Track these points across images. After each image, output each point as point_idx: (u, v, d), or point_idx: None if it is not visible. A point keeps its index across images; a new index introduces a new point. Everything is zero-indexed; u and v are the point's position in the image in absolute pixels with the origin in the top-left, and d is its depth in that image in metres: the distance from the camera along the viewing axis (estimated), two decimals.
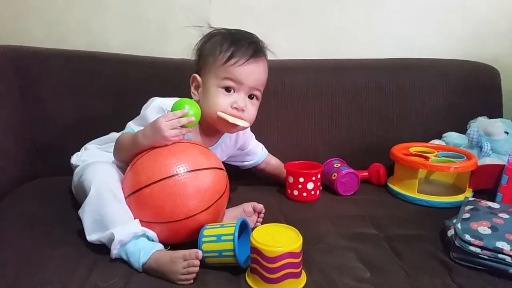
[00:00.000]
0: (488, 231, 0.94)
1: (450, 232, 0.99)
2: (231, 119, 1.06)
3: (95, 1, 1.43)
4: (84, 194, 0.96)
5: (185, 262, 0.85)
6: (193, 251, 0.86)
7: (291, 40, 1.57)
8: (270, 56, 1.47)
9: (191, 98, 1.09)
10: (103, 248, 0.92)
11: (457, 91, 1.49)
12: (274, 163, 1.36)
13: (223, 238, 0.89)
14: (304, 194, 1.24)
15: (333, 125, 1.45)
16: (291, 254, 0.81)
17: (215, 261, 0.89)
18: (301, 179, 1.23)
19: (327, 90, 1.45)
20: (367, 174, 1.39)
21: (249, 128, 1.22)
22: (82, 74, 1.31)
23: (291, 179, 1.25)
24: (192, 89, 1.12)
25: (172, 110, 0.97)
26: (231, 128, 1.11)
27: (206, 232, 0.91)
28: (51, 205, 1.11)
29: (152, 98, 1.12)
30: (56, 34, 1.46)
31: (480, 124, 1.39)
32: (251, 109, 1.11)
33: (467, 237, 0.93)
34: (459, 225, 0.97)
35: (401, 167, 1.29)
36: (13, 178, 1.22)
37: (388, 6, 1.57)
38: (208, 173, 0.95)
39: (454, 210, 1.10)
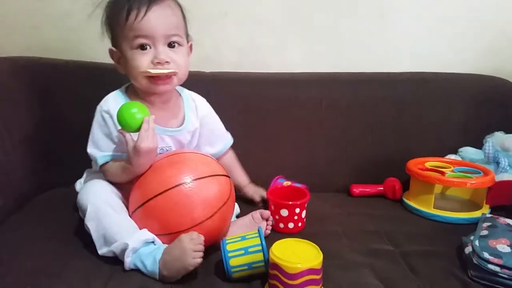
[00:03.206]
0: (507, 249, 0.92)
1: (468, 250, 0.97)
2: (153, 71, 1.01)
3: None
4: (84, 214, 0.97)
5: (188, 236, 0.87)
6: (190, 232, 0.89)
7: (305, 53, 1.57)
8: (283, 69, 1.50)
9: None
10: (117, 261, 0.92)
11: (474, 105, 1.48)
12: (229, 160, 1.28)
13: (250, 250, 0.89)
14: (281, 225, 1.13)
15: (347, 138, 1.44)
16: (312, 271, 0.81)
17: (244, 274, 0.90)
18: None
19: (341, 103, 1.44)
20: (382, 188, 1.38)
21: (207, 104, 1.20)
22: (99, 86, 1.32)
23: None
24: (115, 63, 1.08)
25: (118, 121, 0.95)
26: (163, 84, 1.04)
27: (229, 247, 0.90)
28: (66, 216, 1.11)
29: (100, 104, 1.08)
30: (74, 46, 1.48)
31: (496, 139, 1.38)
32: (177, 58, 1.04)
33: (486, 255, 0.91)
34: (476, 242, 0.96)
35: (417, 182, 1.28)
36: (31, 188, 1.23)
37: (403, 20, 1.56)
38: (210, 181, 0.95)
39: (471, 226, 1.08)
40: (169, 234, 0.92)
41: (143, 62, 1.01)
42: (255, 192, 1.28)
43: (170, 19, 1.04)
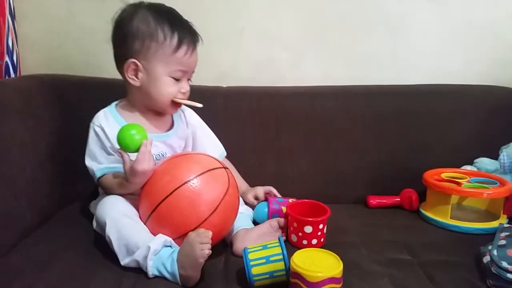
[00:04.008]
0: None
1: (486, 259, 0.98)
2: (188, 102, 1.14)
3: None
4: (103, 229, 1.00)
5: (194, 232, 0.92)
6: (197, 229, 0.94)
7: (320, 67, 1.60)
8: (299, 83, 1.53)
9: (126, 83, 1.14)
10: (141, 270, 0.95)
11: (488, 116, 1.49)
12: None
13: (272, 259, 0.92)
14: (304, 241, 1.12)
15: (364, 150, 1.46)
16: (333, 280, 0.83)
17: (266, 282, 0.92)
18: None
19: (357, 115, 1.46)
20: (399, 199, 1.39)
21: (196, 115, 1.29)
22: None
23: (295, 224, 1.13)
24: (130, 75, 1.12)
25: (118, 141, 1.00)
26: (178, 108, 1.19)
27: (251, 255, 0.93)
28: (90, 230, 1.14)
29: (92, 120, 1.15)
30: (96, 63, 1.53)
31: None
32: (189, 89, 1.17)
33: (504, 264, 0.93)
34: (495, 252, 0.97)
35: (433, 193, 1.30)
36: (55, 202, 1.27)
37: (416, 32, 1.59)
38: (205, 177, 0.99)
39: (489, 236, 1.09)
40: (181, 237, 0.96)
41: (174, 90, 1.13)
42: (251, 195, 1.29)
43: (197, 58, 1.16)
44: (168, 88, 1.12)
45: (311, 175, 1.43)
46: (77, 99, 1.38)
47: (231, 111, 1.39)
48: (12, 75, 1.46)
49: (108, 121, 1.14)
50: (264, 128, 1.44)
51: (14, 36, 1.48)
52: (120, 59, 1.13)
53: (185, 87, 1.14)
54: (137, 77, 1.12)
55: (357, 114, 1.47)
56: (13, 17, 1.48)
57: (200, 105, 1.14)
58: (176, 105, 1.16)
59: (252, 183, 1.34)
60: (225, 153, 1.30)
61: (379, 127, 1.46)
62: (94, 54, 1.54)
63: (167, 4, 1.16)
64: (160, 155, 1.16)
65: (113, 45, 1.16)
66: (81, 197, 1.32)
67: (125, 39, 1.11)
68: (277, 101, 1.47)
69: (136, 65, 1.10)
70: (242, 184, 1.32)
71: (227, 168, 1.06)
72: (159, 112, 1.19)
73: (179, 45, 1.09)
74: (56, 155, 1.28)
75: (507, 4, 1.58)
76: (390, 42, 1.60)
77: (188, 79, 1.17)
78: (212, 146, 1.27)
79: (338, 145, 1.46)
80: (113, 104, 1.20)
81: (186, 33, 1.11)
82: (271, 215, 1.20)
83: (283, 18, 1.56)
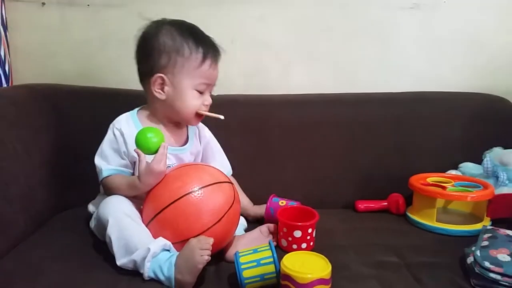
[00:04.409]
0: (507, 258, 0.96)
1: (470, 260, 1.01)
2: (211, 115, 1.16)
3: (124, 42, 1.52)
4: (104, 229, 1.02)
5: (196, 239, 0.94)
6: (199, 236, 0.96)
7: (308, 75, 1.64)
8: (288, 91, 1.56)
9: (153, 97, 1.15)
10: (135, 273, 0.97)
11: (472, 122, 1.52)
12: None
13: (262, 262, 0.94)
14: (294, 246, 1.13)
15: (351, 156, 1.49)
16: (321, 281, 0.85)
17: (256, 285, 0.94)
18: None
19: (344, 123, 1.49)
20: (386, 204, 1.42)
21: (209, 131, 1.32)
22: (112, 110, 1.36)
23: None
24: (156, 89, 1.13)
25: (136, 143, 1.03)
26: (200, 120, 1.21)
27: (242, 259, 0.95)
28: (83, 234, 1.17)
29: (113, 123, 1.17)
30: (88, 73, 1.55)
31: (495, 155, 1.42)
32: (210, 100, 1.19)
33: (487, 264, 0.96)
34: (478, 252, 1.00)
35: (419, 197, 1.33)
36: (49, 209, 1.29)
37: (402, 42, 1.63)
38: (215, 188, 1.02)
39: (473, 238, 1.12)
40: (182, 242, 0.97)
41: (198, 102, 1.16)
42: (255, 214, 1.32)
43: (218, 71, 1.19)
44: (193, 101, 1.15)
45: (300, 181, 1.45)
46: (69, 107, 1.40)
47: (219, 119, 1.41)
48: (4, 85, 1.47)
49: (129, 127, 1.15)
50: (254, 136, 1.47)
51: (6, 46, 1.50)
52: (145, 74, 1.15)
53: (208, 99, 1.17)
54: (163, 91, 1.14)
55: (345, 121, 1.50)
56: (5, 27, 1.50)
57: (222, 117, 1.16)
58: (199, 116, 1.18)
59: (242, 190, 1.35)
60: (231, 172, 1.33)
61: (366, 133, 1.49)
62: (86, 64, 1.57)
63: (160, 15, 1.18)
64: (169, 166, 1.16)
65: (137, 61, 1.17)
66: (75, 203, 1.33)
67: (151, 54, 1.13)
68: (266, 109, 1.50)
69: (163, 79, 1.12)
70: (246, 201, 1.35)
71: (233, 184, 1.09)
72: (178, 124, 1.21)
73: (203, 59, 1.12)
74: (50, 162, 1.30)
75: (490, 12, 1.63)
76: (377, 50, 1.64)
77: (210, 92, 1.19)
78: (219, 164, 1.27)
79: (327, 151, 1.48)
80: (135, 110, 1.21)
81: (210, 48, 1.14)
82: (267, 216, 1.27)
83: (272, 28, 1.60)
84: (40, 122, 1.32)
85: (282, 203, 1.29)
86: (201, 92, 1.15)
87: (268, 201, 1.31)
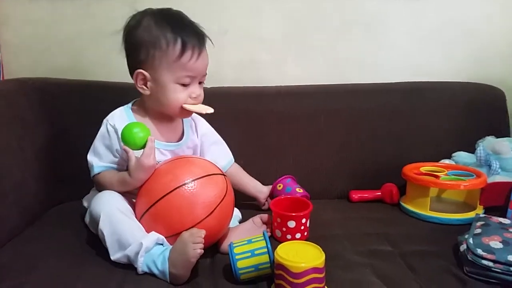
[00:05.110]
0: (499, 245, 0.97)
1: (463, 247, 1.02)
2: (198, 109, 1.12)
3: (115, 35, 1.51)
4: (97, 224, 1.02)
5: (188, 232, 0.94)
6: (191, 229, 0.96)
7: (302, 67, 1.64)
8: (282, 83, 1.56)
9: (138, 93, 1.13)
10: (129, 266, 0.98)
11: (465, 112, 1.54)
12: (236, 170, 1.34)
13: (256, 252, 0.95)
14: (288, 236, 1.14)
15: (345, 147, 1.49)
16: (315, 270, 0.85)
17: (251, 275, 0.95)
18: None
19: (338, 114, 1.50)
20: (380, 193, 1.43)
21: (206, 123, 1.29)
22: (103, 103, 1.34)
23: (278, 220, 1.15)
24: (140, 85, 1.11)
25: (123, 138, 1.02)
26: (190, 114, 1.18)
27: (236, 250, 0.96)
28: (76, 229, 1.16)
29: (107, 118, 1.14)
30: (79, 66, 1.54)
31: (488, 144, 1.43)
32: (201, 92, 1.14)
33: (479, 251, 0.96)
34: (471, 240, 1.01)
35: (413, 186, 1.33)
36: (42, 203, 1.29)
37: (395, 33, 1.64)
38: (206, 181, 1.02)
39: (466, 226, 1.12)
40: (175, 235, 0.97)
41: (183, 96, 1.11)
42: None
43: (208, 61, 1.13)
44: (176, 94, 1.10)
45: (295, 172, 1.45)
46: (60, 101, 1.40)
47: (215, 111, 1.41)
48: None
49: (123, 122, 1.10)
50: (248, 127, 1.47)
51: None
52: (131, 68, 1.13)
53: (195, 91, 1.12)
54: (146, 86, 1.11)
55: (339, 112, 1.50)
56: None
57: (211, 111, 1.12)
58: (187, 111, 1.13)
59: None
60: (233, 160, 1.32)
61: (360, 124, 1.50)
62: (78, 58, 1.56)
63: (152, 6, 1.15)
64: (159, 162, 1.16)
65: (125, 55, 1.14)
66: (69, 198, 1.34)
67: (131, 50, 1.11)
68: (260, 101, 1.50)
69: (144, 75, 1.10)
70: (253, 182, 1.36)
71: (226, 175, 1.09)
72: (171, 118, 1.18)
73: (183, 51, 1.07)
74: (43, 156, 1.30)
75: (482, 2, 1.63)
76: (370, 42, 1.64)
77: (201, 82, 1.14)
78: (219, 153, 1.29)
79: (321, 142, 1.49)
80: (129, 104, 1.19)
81: (191, 37, 1.08)
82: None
83: (264, 20, 1.60)
84: (32, 116, 1.31)
85: (299, 190, 1.31)
86: (186, 85, 1.10)
87: (281, 180, 1.35)
